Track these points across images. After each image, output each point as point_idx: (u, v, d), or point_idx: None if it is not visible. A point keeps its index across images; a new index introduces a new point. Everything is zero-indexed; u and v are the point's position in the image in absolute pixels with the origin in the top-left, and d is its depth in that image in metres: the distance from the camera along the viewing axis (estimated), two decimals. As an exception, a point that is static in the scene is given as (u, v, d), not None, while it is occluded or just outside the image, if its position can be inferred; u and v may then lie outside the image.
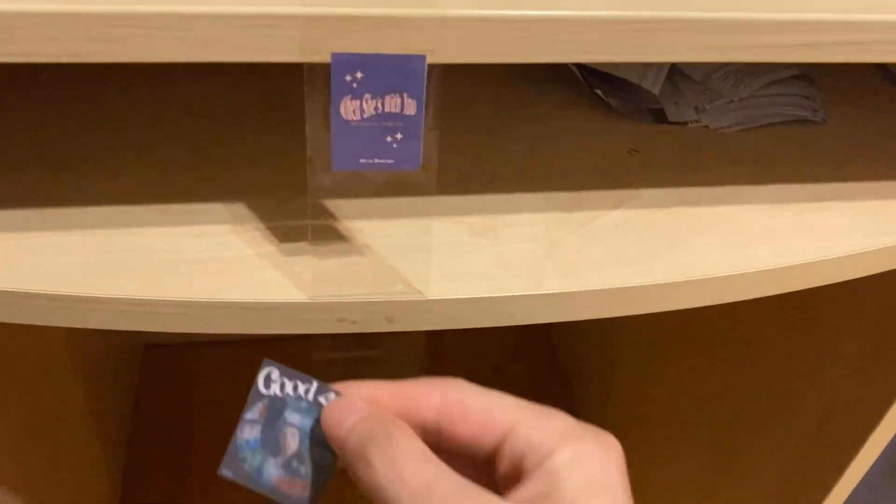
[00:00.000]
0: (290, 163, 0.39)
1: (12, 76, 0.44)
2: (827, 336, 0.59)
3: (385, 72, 0.29)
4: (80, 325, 0.33)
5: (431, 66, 0.29)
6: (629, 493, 0.26)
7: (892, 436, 0.56)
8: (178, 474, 1.01)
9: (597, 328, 1.08)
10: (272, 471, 0.28)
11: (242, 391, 1.11)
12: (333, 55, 0.28)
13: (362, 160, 0.32)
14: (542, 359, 1.23)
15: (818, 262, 0.38)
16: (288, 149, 0.40)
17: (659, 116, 0.45)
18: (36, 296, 0.32)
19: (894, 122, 0.48)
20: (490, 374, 1.20)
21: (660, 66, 0.44)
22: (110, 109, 0.42)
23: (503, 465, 0.25)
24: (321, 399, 0.27)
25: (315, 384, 0.28)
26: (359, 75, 0.29)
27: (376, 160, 0.32)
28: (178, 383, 1.12)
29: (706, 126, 0.45)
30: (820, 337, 0.59)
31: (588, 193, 0.40)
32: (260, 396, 0.28)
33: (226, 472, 0.29)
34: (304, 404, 0.27)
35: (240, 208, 0.37)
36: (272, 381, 0.29)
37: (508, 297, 0.35)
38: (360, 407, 0.26)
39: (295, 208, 0.37)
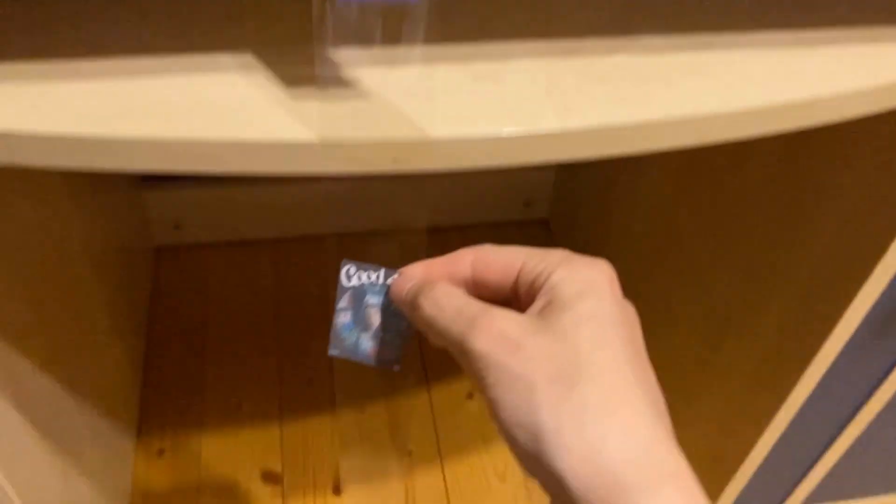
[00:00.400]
0: (296, 13, 0.39)
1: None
2: (819, 188, 0.60)
3: None
4: (102, 167, 0.35)
5: None
6: (617, 296, 0.30)
7: (881, 291, 0.58)
8: (196, 365, 1.05)
9: (594, 228, 1.09)
10: (366, 343, 0.35)
11: (253, 288, 1.16)
12: None
13: (365, -4, 0.33)
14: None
15: (809, 102, 0.39)
16: (293, 2, 0.41)
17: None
18: (60, 138, 0.34)
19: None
20: (494, 269, 1.23)
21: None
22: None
23: (521, 297, 0.31)
24: (389, 281, 0.34)
25: (383, 270, 0.34)
26: None
27: (379, -4, 0.33)
28: (190, 283, 1.15)
29: (702, -22, 0.46)
30: (812, 189, 0.61)
31: (586, 40, 0.41)
32: (344, 289, 0.35)
33: (333, 351, 0.35)
34: (377, 287, 0.34)
35: (248, 58, 0.38)
36: (351, 275, 0.34)
37: (508, 137, 0.36)
38: (414, 275, 0.33)
39: (303, 56, 0.38)
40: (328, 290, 1.15)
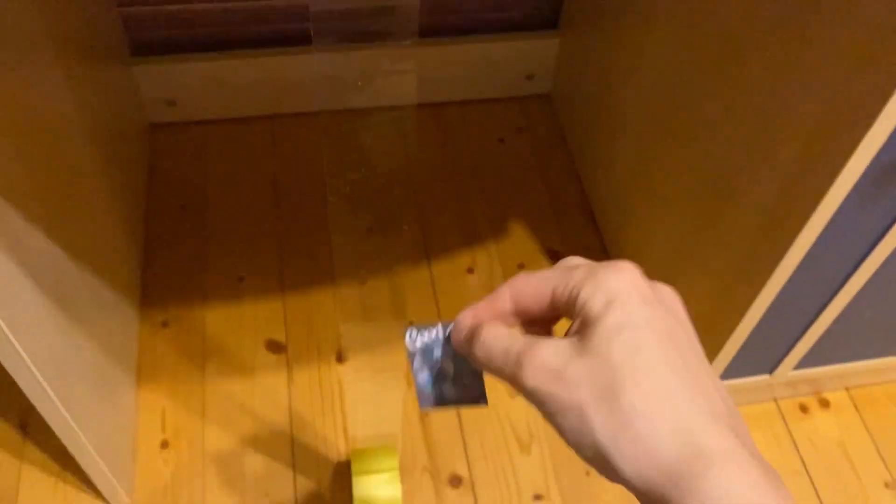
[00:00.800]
0: None
1: None
2: (822, 39, 0.58)
3: None
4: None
5: None
6: (646, 296, 0.30)
7: (883, 142, 0.57)
8: (196, 240, 1.05)
9: (596, 97, 1.07)
10: (449, 390, 0.37)
11: (250, 164, 1.15)
12: None
13: None
14: (545, 129, 1.24)
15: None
16: None
17: None
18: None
19: None
20: (495, 146, 1.21)
21: None
22: None
23: (565, 315, 0.33)
24: (448, 332, 0.37)
25: (440, 325, 0.37)
26: None
27: None
28: (186, 160, 1.14)
29: None
30: (812, 40, 0.59)
31: None
32: (412, 353, 0.38)
33: (426, 406, 0.38)
34: (440, 341, 0.37)
35: None
36: (414, 338, 0.37)
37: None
38: (465, 324, 0.35)
39: None
40: (325, 166, 1.14)
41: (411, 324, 0.37)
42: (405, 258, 1.10)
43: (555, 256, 1.08)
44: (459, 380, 0.37)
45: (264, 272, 1.03)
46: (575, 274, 0.31)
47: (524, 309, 0.34)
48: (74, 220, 0.77)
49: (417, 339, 0.37)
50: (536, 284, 0.33)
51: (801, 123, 0.63)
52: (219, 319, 0.98)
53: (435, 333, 0.37)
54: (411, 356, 0.38)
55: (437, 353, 0.37)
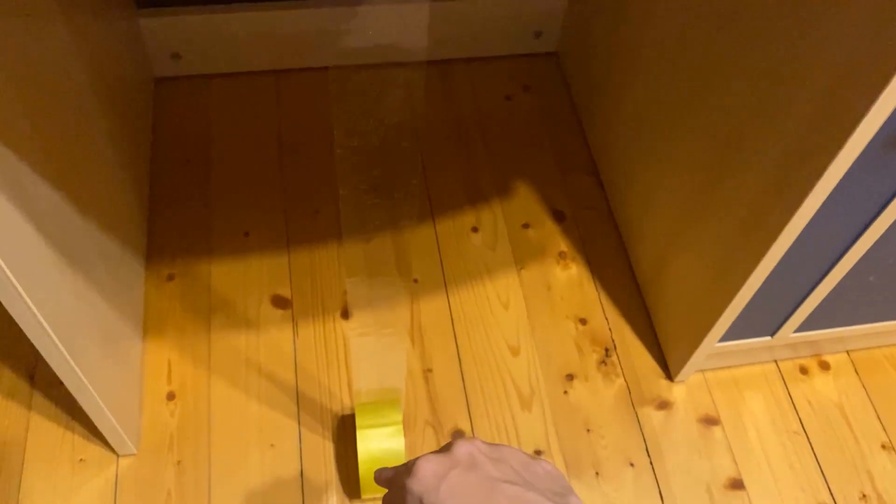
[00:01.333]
0: None
1: None
2: (824, 13, 0.57)
3: None
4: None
5: None
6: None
7: (894, 106, 0.56)
8: (201, 195, 1.05)
9: (604, 56, 1.06)
10: None
11: (255, 119, 1.14)
12: None
13: None
14: (552, 87, 1.23)
15: None
16: None
17: None
18: None
19: None
20: (502, 103, 1.20)
21: None
22: None
23: None
24: None
25: None
26: None
27: None
28: (192, 114, 1.13)
29: None
30: (816, 15, 0.58)
31: None
32: None
33: None
34: None
35: None
36: None
37: None
38: None
39: None
40: (331, 120, 1.13)
41: None
42: (410, 216, 1.10)
43: (559, 217, 1.09)
44: None
45: (270, 228, 1.03)
46: (396, 489, 0.39)
47: None
48: (80, 173, 0.77)
49: None
50: None
51: (811, 83, 0.62)
52: (224, 274, 0.99)
53: None
54: None
55: None
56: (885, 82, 0.53)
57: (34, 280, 0.61)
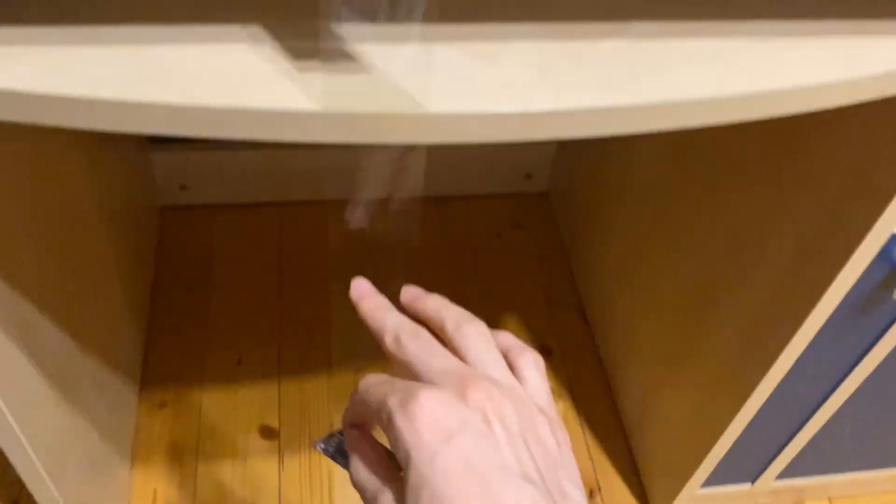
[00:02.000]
0: (303, -13, 0.41)
1: None
2: (799, 177, 0.62)
3: None
4: (114, 128, 0.37)
5: None
6: (445, 429, 0.29)
7: (858, 275, 0.60)
8: (198, 322, 1.08)
9: (592, 199, 1.11)
10: None
11: (256, 249, 1.18)
12: None
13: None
14: (542, 226, 1.28)
15: (792, 90, 0.41)
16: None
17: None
18: (78, 100, 0.36)
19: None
20: (493, 240, 1.25)
21: None
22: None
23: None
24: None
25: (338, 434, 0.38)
26: None
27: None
28: (194, 243, 1.17)
29: (699, -34, 0.47)
30: (792, 178, 0.63)
31: (582, 24, 0.43)
32: (333, 457, 0.39)
33: None
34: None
35: (257, 29, 0.40)
36: (326, 446, 0.39)
37: (503, 113, 0.38)
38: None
39: (309, 30, 0.40)
40: (329, 253, 1.18)
41: (315, 441, 0.40)
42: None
43: (546, 353, 1.11)
44: None
45: (263, 356, 1.05)
46: (379, 414, 0.31)
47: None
48: (83, 302, 0.80)
49: (329, 444, 0.39)
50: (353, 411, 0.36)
51: (781, 249, 0.67)
52: (215, 402, 1.00)
53: (338, 439, 0.39)
54: (334, 459, 0.39)
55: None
56: (848, 253, 0.58)
57: (24, 408, 0.63)
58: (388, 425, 0.30)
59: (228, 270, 1.15)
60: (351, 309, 0.98)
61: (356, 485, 0.33)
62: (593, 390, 1.08)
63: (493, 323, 1.24)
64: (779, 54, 0.43)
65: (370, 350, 1.08)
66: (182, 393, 1.00)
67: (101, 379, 0.85)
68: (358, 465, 0.34)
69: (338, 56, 0.39)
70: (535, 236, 1.26)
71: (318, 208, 1.24)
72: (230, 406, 1.00)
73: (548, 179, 1.32)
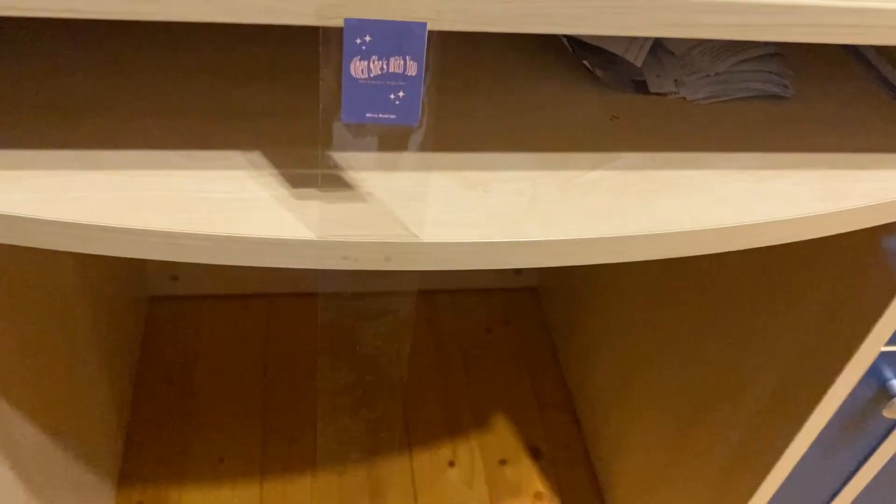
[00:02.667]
0: (302, 117, 0.43)
1: (48, 30, 0.47)
2: (788, 296, 0.63)
3: (391, 36, 0.33)
4: (111, 253, 0.37)
5: (432, 33, 0.33)
6: None
7: (848, 392, 0.60)
8: (181, 417, 1.06)
9: (582, 296, 1.12)
10: None
11: (243, 342, 1.17)
12: (346, 20, 0.32)
13: (368, 114, 0.36)
14: (531, 322, 1.28)
15: (774, 223, 0.42)
16: (300, 104, 0.44)
17: (641, 87, 0.49)
18: (76, 226, 0.36)
19: (858, 100, 0.52)
20: (483, 336, 1.25)
21: (643, 40, 0.48)
22: (136, 66, 0.46)
23: None
24: None
25: None
26: (367, 38, 0.33)
27: (380, 115, 0.36)
28: (181, 334, 1.17)
29: (684, 98, 0.49)
30: (782, 297, 0.64)
31: (571, 155, 0.44)
32: None
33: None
34: None
35: (256, 156, 0.41)
36: None
37: (493, 242, 0.39)
38: None
39: (307, 157, 0.41)
40: (314, 347, 1.17)
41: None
42: (387, 447, 1.10)
43: (536, 454, 1.09)
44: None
45: (245, 455, 1.03)
46: None
47: None
48: (64, 398, 0.78)
49: None
50: None
51: (772, 365, 0.67)
52: (194, 502, 0.97)
53: None
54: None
55: None
56: (834, 376, 0.58)
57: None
58: None
59: (214, 364, 1.13)
60: (333, 404, 0.97)
61: None
62: (583, 494, 1.06)
63: (484, 421, 1.21)
64: (760, 186, 0.44)
65: (355, 448, 1.06)
66: (161, 492, 0.98)
67: (78, 477, 0.83)
68: None
69: (335, 184, 0.40)
70: (524, 333, 1.26)
71: (308, 300, 1.24)
72: (210, 507, 0.97)
73: (537, 275, 1.33)
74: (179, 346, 1.15)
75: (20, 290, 0.67)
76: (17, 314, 0.66)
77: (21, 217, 0.36)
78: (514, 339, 1.25)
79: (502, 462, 1.08)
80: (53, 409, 0.74)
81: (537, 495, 1.05)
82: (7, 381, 0.62)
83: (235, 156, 0.41)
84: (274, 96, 0.45)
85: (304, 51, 0.34)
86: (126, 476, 0.99)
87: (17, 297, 0.66)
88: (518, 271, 1.31)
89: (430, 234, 0.39)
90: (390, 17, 0.32)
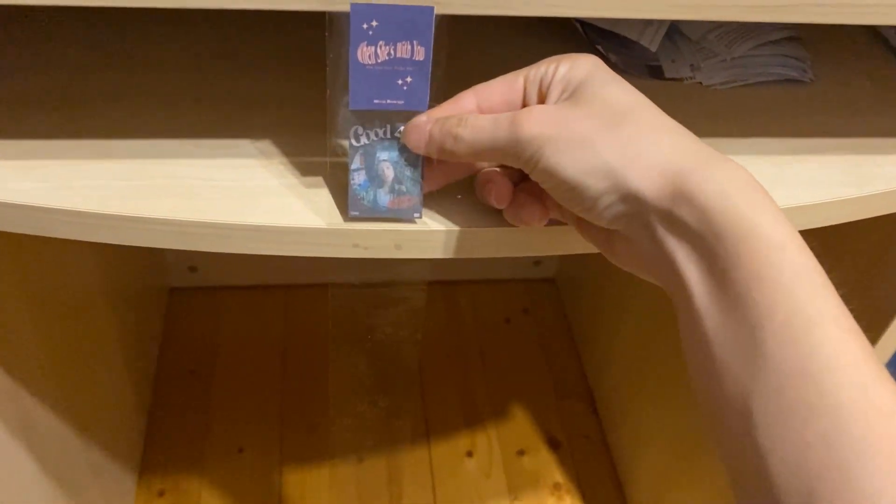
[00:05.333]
0: (310, 104, 0.42)
1: (59, 22, 0.47)
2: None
3: (398, 21, 0.33)
4: (121, 242, 0.37)
5: (440, 17, 0.33)
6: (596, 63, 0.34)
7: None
8: (201, 407, 1.07)
9: (601, 286, 1.11)
10: (384, 198, 0.37)
11: (262, 333, 1.17)
12: (352, 5, 0.32)
13: (376, 100, 0.35)
14: (550, 313, 1.28)
15: (797, 208, 0.41)
16: (308, 91, 0.43)
17: (656, 72, 0.48)
18: (87, 214, 0.36)
19: (878, 83, 0.51)
20: (501, 325, 1.24)
21: (658, 24, 0.47)
22: (144, 56, 0.46)
23: (531, 102, 0.36)
24: (397, 133, 0.36)
25: (388, 126, 0.36)
26: (374, 23, 0.33)
27: (388, 101, 0.35)
28: (201, 325, 1.17)
29: (700, 83, 0.48)
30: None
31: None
32: (355, 148, 0.36)
33: (353, 212, 0.37)
34: (386, 142, 0.36)
35: (266, 144, 0.41)
36: (359, 134, 0.36)
37: (507, 229, 0.39)
38: (425, 121, 0.36)
39: (315, 145, 0.41)
40: (335, 338, 1.17)
41: (356, 119, 0.36)
42: (405, 437, 1.10)
43: (555, 444, 1.09)
44: (396, 187, 0.37)
45: (265, 444, 1.04)
46: (546, 61, 0.35)
47: (490, 107, 0.36)
48: (85, 389, 0.79)
49: (363, 135, 0.36)
50: (502, 80, 0.36)
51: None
52: (215, 492, 0.98)
53: (383, 132, 0.36)
54: (353, 151, 0.36)
55: (380, 154, 0.36)
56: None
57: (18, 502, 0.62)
58: (559, 62, 0.34)
59: (233, 355, 1.14)
60: (352, 395, 0.97)
61: (476, 128, 0.34)
62: (603, 484, 1.05)
63: (502, 411, 1.21)
64: (781, 171, 0.43)
65: (373, 441, 1.06)
66: (182, 481, 0.98)
67: (100, 466, 0.84)
68: (475, 117, 0.35)
69: (343, 171, 0.39)
70: (543, 323, 1.26)
71: (323, 291, 1.25)
72: (230, 496, 0.98)
73: (556, 266, 1.32)
74: (198, 337, 1.16)
75: (40, 282, 0.68)
76: (38, 307, 0.67)
77: (32, 206, 0.36)
78: (532, 329, 1.24)
79: (520, 452, 1.08)
80: (75, 401, 0.75)
81: (556, 486, 1.04)
82: (29, 373, 0.63)
83: (244, 144, 0.41)
84: (283, 84, 0.44)
85: (312, 38, 0.34)
86: (147, 466, 1.00)
87: (37, 290, 0.67)
88: (537, 262, 1.31)
89: (439, 222, 0.38)
90: (397, 1, 0.32)
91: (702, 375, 0.30)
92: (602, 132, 0.32)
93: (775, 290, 0.28)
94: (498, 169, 0.38)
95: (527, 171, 0.34)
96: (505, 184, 0.37)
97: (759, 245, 0.28)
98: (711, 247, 0.29)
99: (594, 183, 0.32)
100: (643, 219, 0.31)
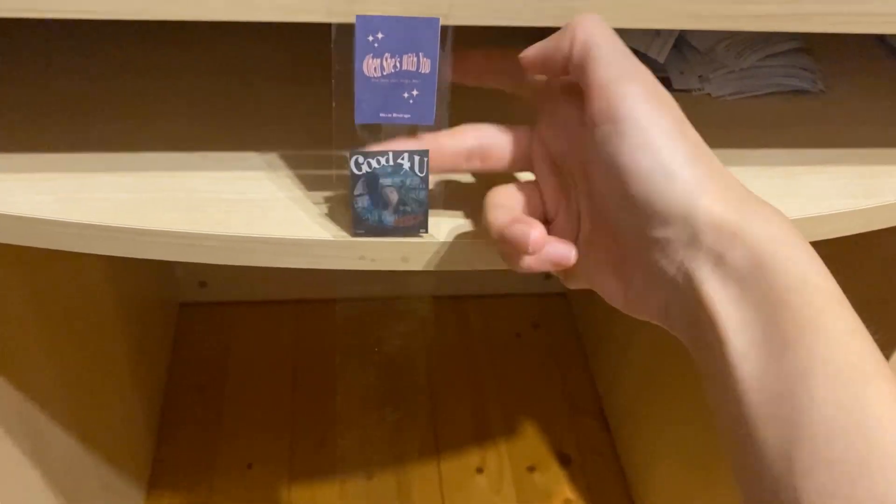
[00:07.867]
0: (317, 116, 0.42)
1: (64, 32, 0.48)
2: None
3: (403, 33, 0.33)
4: (130, 255, 0.37)
5: (445, 28, 0.33)
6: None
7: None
8: (210, 423, 1.06)
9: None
10: (389, 217, 0.37)
11: (272, 349, 1.17)
12: (358, 17, 0.32)
13: (382, 114, 0.35)
14: (561, 327, 1.27)
15: (808, 219, 0.41)
16: (315, 103, 0.44)
17: (665, 84, 0.48)
18: (94, 227, 0.36)
19: (890, 93, 0.50)
20: (512, 340, 1.24)
21: (666, 35, 0.47)
22: (151, 68, 0.46)
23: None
24: (399, 160, 0.36)
25: (390, 153, 0.36)
26: (380, 35, 0.33)
27: (394, 114, 0.35)
28: (211, 340, 1.18)
29: (709, 94, 0.48)
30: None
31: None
32: (357, 176, 0.36)
33: (359, 231, 0.37)
34: (389, 168, 0.36)
35: (272, 157, 0.41)
36: (360, 163, 0.36)
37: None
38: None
39: (322, 158, 0.41)
40: (344, 353, 1.17)
41: (356, 150, 0.36)
42: (414, 452, 1.10)
43: (565, 461, 1.08)
44: (401, 208, 0.37)
45: (274, 460, 1.03)
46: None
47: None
48: (95, 404, 0.79)
49: (364, 164, 0.36)
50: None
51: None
52: (224, 508, 0.98)
53: (384, 160, 0.36)
54: (354, 179, 0.36)
55: (384, 180, 0.36)
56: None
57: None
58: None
59: (243, 370, 1.14)
60: (362, 409, 0.97)
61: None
62: (614, 501, 1.04)
63: (512, 427, 1.20)
64: (792, 183, 0.43)
65: (383, 456, 1.06)
66: (191, 496, 0.98)
67: (109, 481, 0.84)
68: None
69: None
70: (554, 337, 1.25)
71: (332, 307, 1.24)
72: (239, 512, 0.97)
73: (566, 280, 1.31)
74: (208, 352, 1.16)
75: (51, 297, 0.68)
76: (49, 322, 0.67)
77: (41, 219, 0.37)
78: (543, 344, 1.24)
79: (531, 468, 1.07)
80: (84, 415, 0.75)
81: (566, 502, 1.03)
82: (38, 386, 0.63)
83: (252, 157, 0.41)
84: (290, 96, 0.45)
85: (321, 50, 0.34)
86: (156, 481, 0.99)
87: (47, 305, 0.67)
88: (547, 276, 1.30)
89: (446, 234, 0.38)
90: (403, 14, 0.32)
91: (730, 419, 0.29)
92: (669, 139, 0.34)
93: (829, 340, 0.27)
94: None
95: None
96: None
97: (813, 294, 0.28)
98: (764, 292, 0.28)
99: (665, 188, 0.32)
100: (687, 252, 0.31)
